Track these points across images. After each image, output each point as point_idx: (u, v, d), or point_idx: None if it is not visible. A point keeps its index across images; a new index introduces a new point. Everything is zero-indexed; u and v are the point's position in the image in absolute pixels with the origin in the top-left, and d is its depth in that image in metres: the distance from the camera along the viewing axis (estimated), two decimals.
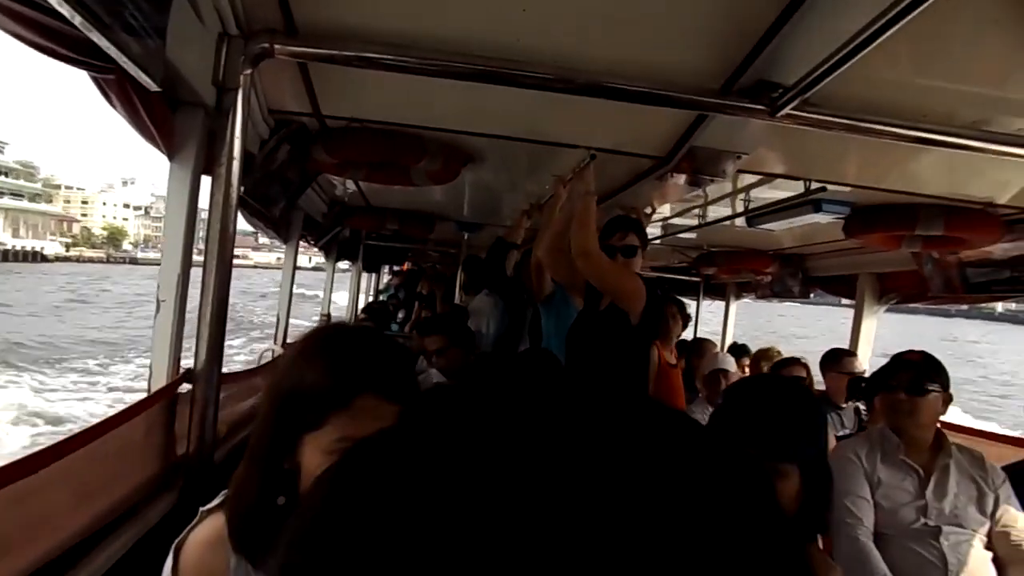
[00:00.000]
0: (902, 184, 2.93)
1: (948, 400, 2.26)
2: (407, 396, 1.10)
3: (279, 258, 5.91)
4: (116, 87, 1.59)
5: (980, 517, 2.15)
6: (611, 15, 1.79)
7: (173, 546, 1.09)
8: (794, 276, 5.58)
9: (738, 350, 5.56)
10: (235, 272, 2.15)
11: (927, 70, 1.88)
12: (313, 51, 1.98)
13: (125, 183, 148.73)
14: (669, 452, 0.29)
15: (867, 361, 4.39)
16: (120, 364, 16.55)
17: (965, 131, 2.07)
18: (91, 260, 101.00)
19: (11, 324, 21.57)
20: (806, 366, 3.99)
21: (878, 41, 1.45)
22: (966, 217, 3.09)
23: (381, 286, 13.84)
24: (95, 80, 1.57)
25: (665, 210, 4.31)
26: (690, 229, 4.68)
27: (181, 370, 2.05)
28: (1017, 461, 2.58)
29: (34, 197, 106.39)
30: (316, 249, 6.82)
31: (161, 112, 1.80)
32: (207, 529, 1.10)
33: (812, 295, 5.98)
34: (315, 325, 2.59)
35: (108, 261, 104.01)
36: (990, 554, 2.15)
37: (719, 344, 5.86)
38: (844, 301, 5.66)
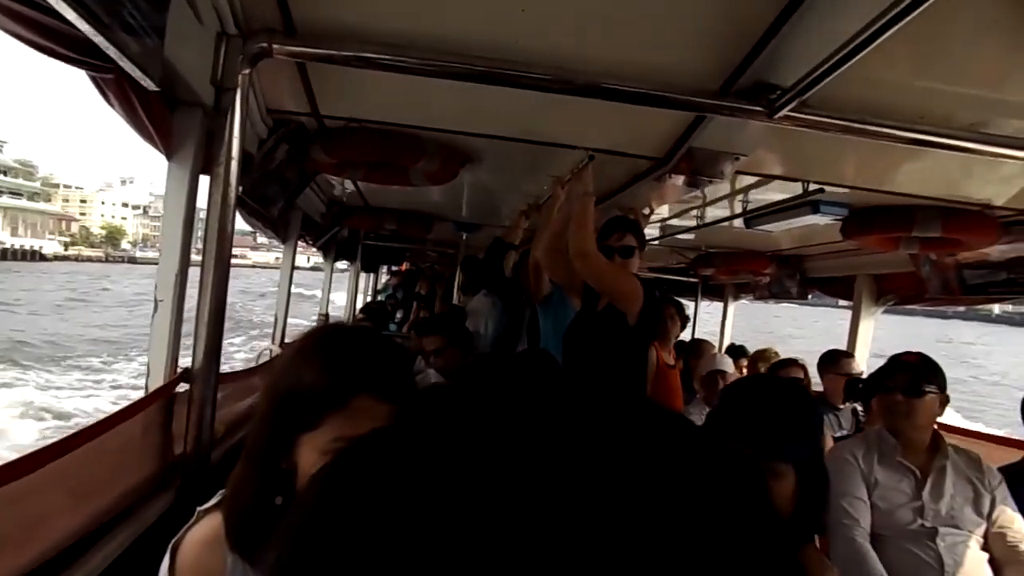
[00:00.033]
0: (900, 186, 2.94)
1: (945, 401, 2.27)
2: (404, 397, 1.10)
3: (278, 258, 5.91)
4: (114, 86, 1.59)
5: (976, 518, 2.16)
6: (610, 16, 1.79)
7: (170, 546, 1.09)
8: (792, 277, 5.58)
9: (736, 351, 5.56)
10: (234, 272, 2.15)
11: (925, 72, 1.88)
12: (312, 51, 1.98)
13: (124, 182, 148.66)
14: (663, 453, 0.29)
15: (865, 362, 4.40)
16: (123, 362, 16.71)
17: (963, 133, 2.08)
18: (89, 259, 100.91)
19: (15, 323, 21.81)
20: (804, 367, 4.00)
21: (876, 43, 1.45)
22: (963, 219, 3.09)
23: (379, 286, 13.85)
24: (93, 79, 1.56)
25: (663, 211, 4.31)
26: (688, 230, 4.69)
27: (179, 370, 2.05)
28: (1014, 462, 2.58)
29: (33, 196, 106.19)
30: (314, 249, 6.82)
31: (159, 112, 1.80)
32: (204, 529, 1.10)
33: (810, 296, 5.99)
34: (314, 325, 2.59)
35: (107, 260, 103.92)
36: (986, 555, 2.15)
37: (717, 345, 5.87)
38: (841, 302, 5.67)
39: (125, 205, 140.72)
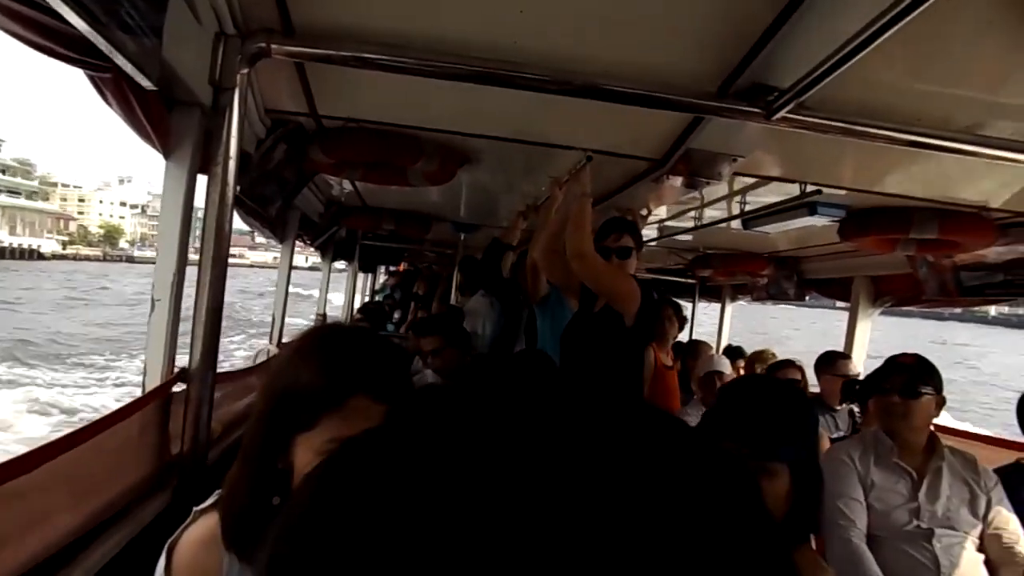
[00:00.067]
0: (897, 187, 2.94)
1: (941, 403, 2.27)
2: (400, 398, 1.10)
3: (276, 257, 5.91)
4: (112, 86, 1.58)
5: (972, 519, 2.16)
6: (608, 17, 1.79)
7: (166, 546, 1.09)
8: (789, 279, 5.59)
9: (733, 352, 5.57)
10: (232, 271, 2.15)
11: (922, 74, 1.88)
12: (310, 51, 1.98)
13: (122, 181, 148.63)
14: (653, 454, 0.29)
15: (862, 364, 4.40)
16: (125, 360, 16.79)
17: (960, 135, 2.08)
18: (87, 258, 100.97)
19: (18, 321, 21.98)
20: (801, 368, 4.00)
21: (873, 45, 1.46)
22: (960, 221, 3.10)
23: (377, 286, 13.85)
24: (91, 79, 1.56)
25: (661, 212, 4.32)
26: (686, 231, 4.69)
27: (176, 369, 2.04)
28: (1009, 464, 2.59)
29: (31, 195, 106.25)
30: (312, 249, 6.81)
31: (157, 111, 1.80)
32: (200, 529, 1.10)
33: (807, 298, 6.00)
34: (312, 325, 2.59)
35: (105, 259, 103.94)
36: (982, 556, 2.16)
37: (714, 346, 5.87)
38: (839, 304, 5.67)
39: (123, 204, 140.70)
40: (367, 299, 12.44)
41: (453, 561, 0.24)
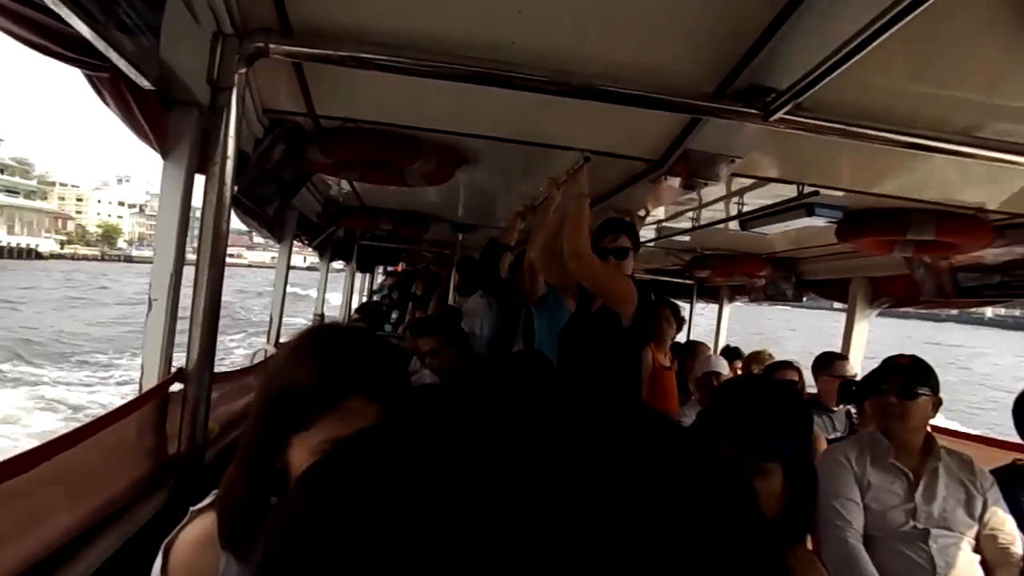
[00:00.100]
0: (894, 189, 2.95)
1: (938, 404, 2.28)
2: (397, 399, 1.09)
3: (274, 257, 5.91)
4: (110, 85, 1.58)
5: (968, 520, 2.17)
6: (606, 18, 1.79)
7: (163, 546, 1.09)
8: (787, 279, 5.60)
9: (731, 353, 5.58)
10: (230, 271, 2.15)
11: (919, 76, 1.89)
12: (308, 51, 1.98)
13: (120, 181, 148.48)
14: (645, 455, 0.29)
15: (859, 365, 4.41)
16: (128, 358, 16.96)
17: (957, 137, 2.08)
18: (85, 258, 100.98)
19: (21, 321, 22.16)
20: (798, 369, 4.00)
21: (871, 47, 1.46)
22: (957, 222, 3.11)
23: (375, 286, 13.83)
24: (89, 78, 1.56)
25: (659, 213, 4.31)
26: (684, 232, 4.69)
27: (173, 369, 2.04)
28: (1005, 464, 2.59)
29: (29, 194, 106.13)
30: (310, 249, 6.81)
31: (155, 111, 1.79)
32: (197, 529, 1.10)
33: (804, 299, 6.00)
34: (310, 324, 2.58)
35: (103, 259, 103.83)
36: (978, 557, 2.16)
37: (712, 347, 5.88)
38: (836, 305, 5.68)
39: (121, 204, 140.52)
40: (365, 299, 12.43)
41: (445, 561, 0.24)
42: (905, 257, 3.92)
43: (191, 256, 2.05)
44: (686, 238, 4.95)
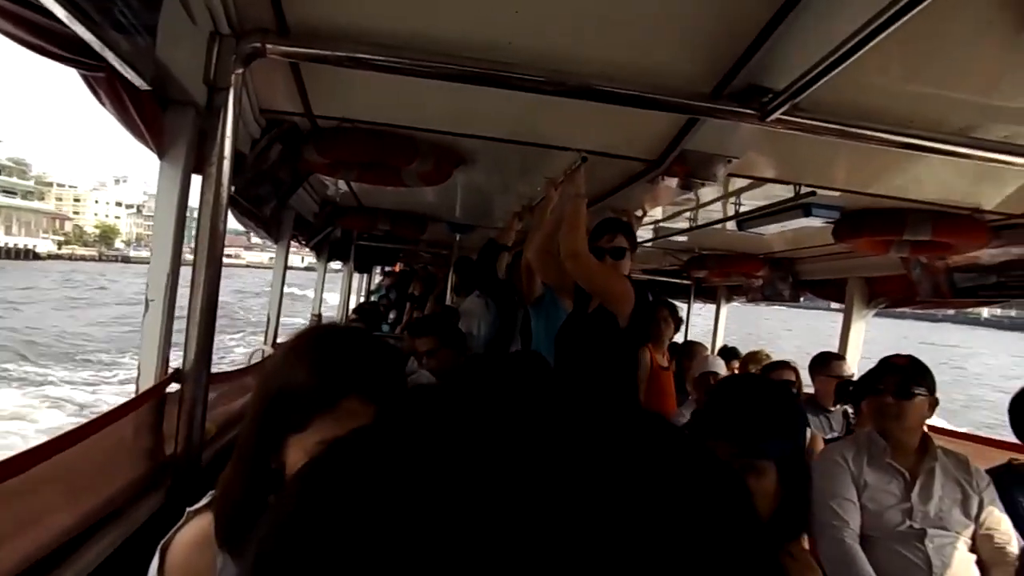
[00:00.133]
0: (891, 189, 2.95)
1: (934, 404, 2.29)
2: (393, 400, 1.09)
3: (271, 258, 5.90)
4: (106, 85, 1.58)
5: (965, 520, 2.17)
6: (603, 18, 1.79)
7: (159, 546, 1.09)
8: (784, 280, 5.61)
9: (728, 353, 5.59)
10: (228, 272, 2.15)
11: (916, 76, 1.89)
12: (305, 51, 1.98)
13: (117, 181, 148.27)
14: (638, 455, 0.29)
15: (856, 365, 4.41)
16: (130, 358, 17.05)
17: (953, 137, 2.09)
18: (83, 258, 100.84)
19: (25, 321, 22.50)
20: (795, 369, 4.01)
21: (867, 47, 1.46)
22: (953, 222, 3.12)
23: (372, 287, 13.83)
24: (85, 78, 1.56)
25: (656, 213, 4.31)
26: (681, 232, 4.70)
27: (170, 370, 2.04)
28: (1001, 464, 2.60)
29: (26, 195, 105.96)
30: (308, 249, 6.80)
31: (151, 111, 1.79)
32: (193, 529, 1.10)
33: (801, 299, 6.01)
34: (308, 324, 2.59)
35: (100, 259, 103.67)
36: (974, 556, 2.17)
37: (709, 347, 5.88)
38: (833, 305, 5.69)
39: (119, 204, 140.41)
40: (362, 299, 12.42)
41: (437, 561, 0.24)
42: (902, 257, 3.93)
43: (188, 256, 2.05)
44: (683, 238, 4.96)
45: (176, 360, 2.06)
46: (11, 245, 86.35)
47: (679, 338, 5.34)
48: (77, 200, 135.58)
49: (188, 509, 1.13)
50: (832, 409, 3.77)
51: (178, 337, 2.03)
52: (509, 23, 1.85)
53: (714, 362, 4.02)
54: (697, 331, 7.37)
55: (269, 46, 1.94)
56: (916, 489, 2.21)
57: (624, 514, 0.26)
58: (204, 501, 1.14)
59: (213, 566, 1.06)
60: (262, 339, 5.35)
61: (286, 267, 5.29)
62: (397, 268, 11.32)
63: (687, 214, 4.23)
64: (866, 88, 1.95)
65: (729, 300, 7.23)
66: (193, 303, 2.03)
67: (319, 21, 1.93)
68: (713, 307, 7.36)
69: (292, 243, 5.32)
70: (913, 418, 2.25)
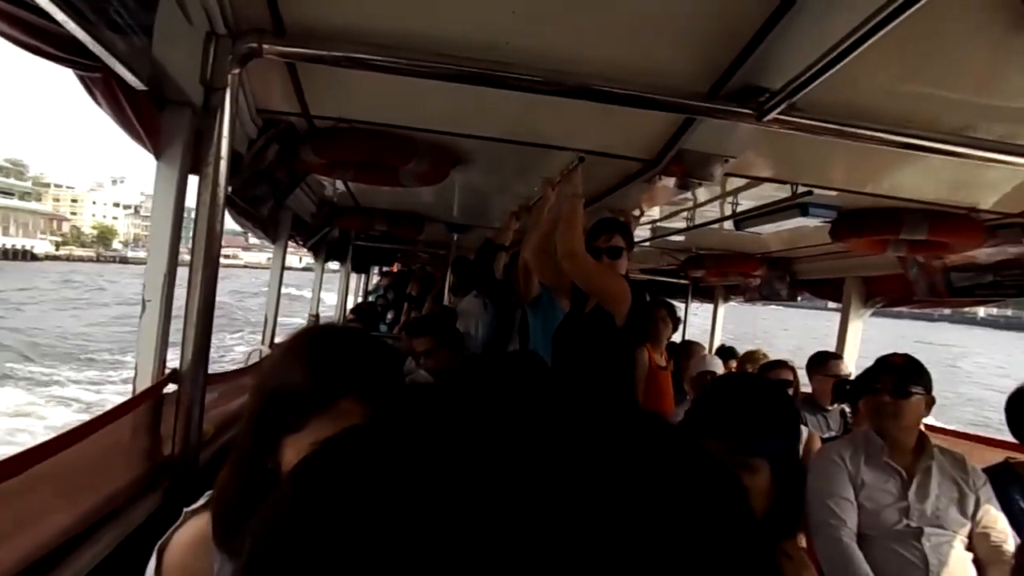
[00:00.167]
0: (887, 189, 2.96)
1: (931, 403, 2.29)
2: (390, 400, 1.09)
3: (269, 258, 5.90)
4: (102, 85, 1.58)
5: (961, 518, 2.18)
6: (600, 18, 1.79)
7: (156, 547, 1.09)
8: (782, 279, 5.61)
9: (725, 352, 5.60)
10: (226, 272, 2.15)
11: (912, 76, 1.89)
12: (301, 51, 1.98)
13: (115, 182, 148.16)
14: (632, 453, 0.29)
15: (853, 364, 4.42)
16: (132, 356, 17.07)
17: (949, 137, 2.09)
18: (81, 259, 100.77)
19: (25, 321, 22.76)
20: (792, 369, 4.02)
21: (863, 47, 1.46)
22: (950, 222, 3.12)
23: (370, 287, 13.82)
24: (81, 78, 1.56)
25: (654, 213, 4.32)
26: (679, 232, 4.70)
27: (167, 371, 2.04)
28: (998, 463, 2.60)
29: (24, 195, 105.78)
30: (305, 250, 6.80)
31: (147, 111, 1.79)
32: (191, 530, 1.10)
33: (799, 298, 6.02)
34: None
35: (98, 260, 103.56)
36: (971, 555, 2.17)
37: (707, 346, 5.89)
38: (831, 305, 5.69)
39: (116, 205, 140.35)
40: (360, 300, 12.42)
41: (430, 560, 0.24)
42: (898, 257, 3.94)
43: (185, 257, 2.05)
44: (681, 238, 4.96)
45: (173, 361, 2.06)
46: (9, 246, 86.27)
47: (677, 338, 5.34)
48: (75, 201, 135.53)
49: (185, 510, 1.13)
50: (829, 408, 3.77)
51: (176, 337, 2.03)
52: (506, 23, 1.85)
53: (712, 362, 4.02)
54: (695, 331, 7.38)
55: (265, 46, 1.94)
56: (913, 488, 2.21)
57: (618, 511, 0.26)
58: (201, 501, 1.13)
59: (210, 567, 1.06)
60: (259, 338, 5.36)
61: (283, 267, 5.29)
62: (395, 268, 11.31)
63: (684, 214, 4.24)
64: (862, 88, 1.95)
65: (727, 300, 7.23)
66: (190, 304, 2.03)
67: (315, 21, 1.93)
68: (711, 307, 7.36)
69: (290, 243, 5.31)
70: (910, 417, 2.25)
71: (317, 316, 7.44)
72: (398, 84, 2.14)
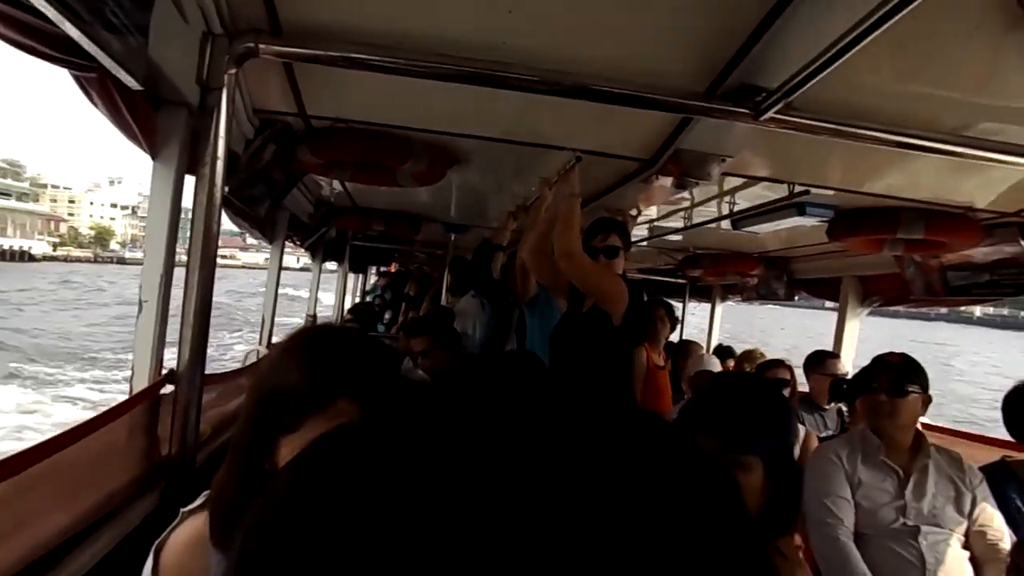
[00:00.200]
0: (884, 188, 2.96)
1: (928, 401, 2.29)
2: (386, 400, 1.09)
3: (267, 258, 5.90)
4: (98, 86, 1.57)
5: (958, 517, 2.18)
6: (597, 18, 1.79)
7: (153, 547, 1.09)
8: (779, 278, 5.62)
9: (723, 352, 5.60)
10: (224, 272, 2.15)
11: (909, 76, 1.90)
12: (298, 51, 1.97)
13: (112, 182, 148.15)
14: (627, 451, 0.29)
15: (850, 363, 4.42)
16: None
17: (946, 137, 2.10)
18: (78, 260, 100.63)
19: (28, 322, 22.98)
20: (790, 368, 4.02)
21: (860, 46, 1.47)
22: (947, 221, 3.13)
23: (368, 287, 13.82)
24: (76, 79, 1.55)
25: (651, 212, 4.32)
26: (676, 231, 4.70)
27: (164, 371, 2.03)
28: (994, 461, 2.60)
29: (21, 196, 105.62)
30: (302, 250, 6.79)
31: (144, 111, 1.78)
32: (188, 530, 1.10)
33: (797, 297, 6.02)
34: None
35: (95, 261, 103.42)
36: (967, 553, 2.17)
37: (705, 346, 5.89)
38: (828, 304, 5.70)
39: (114, 205, 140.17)
40: (357, 300, 12.41)
41: (424, 558, 0.24)
42: (895, 256, 3.94)
43: (182, 257, 2.04)
44: (678, 237, 4.96)
45: (171, 361, 2.06)
46: (7, 247, 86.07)
47: (674, 337, 5.34)
48: (72, 202, 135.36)
49: (182, 510, 1.13)
50: (826, 407, 3.78)
51: (173, 338, 2.03)
52: (503, 23, 1.85)
53: (709, 361, 4.03)
54: (692, 330, 7.38)
55: (262, 46, 1.94)
56: (910, 486, 2.21)
57: (613, 508, 0.26)
58: (198, 502, 1.13)
59: (207, 567, 1.06)
60: (258, 336, 5.35)
61: (281, 267, 5.28)
62: (392, 268, 11.31)
63: (682, 213, 4.24)
64: (859, 87, 1.96)
65: (724, 299, 7.23)
66: (187, 304, 2.03)
67: (312, 21, 1.93)
68: (708, 306, 7.36)
69: (287, 244, 5.30)
70: (906, 416, 2.25)
71: (315, 316, 7.43)
72: (395, 84, 2.14)
